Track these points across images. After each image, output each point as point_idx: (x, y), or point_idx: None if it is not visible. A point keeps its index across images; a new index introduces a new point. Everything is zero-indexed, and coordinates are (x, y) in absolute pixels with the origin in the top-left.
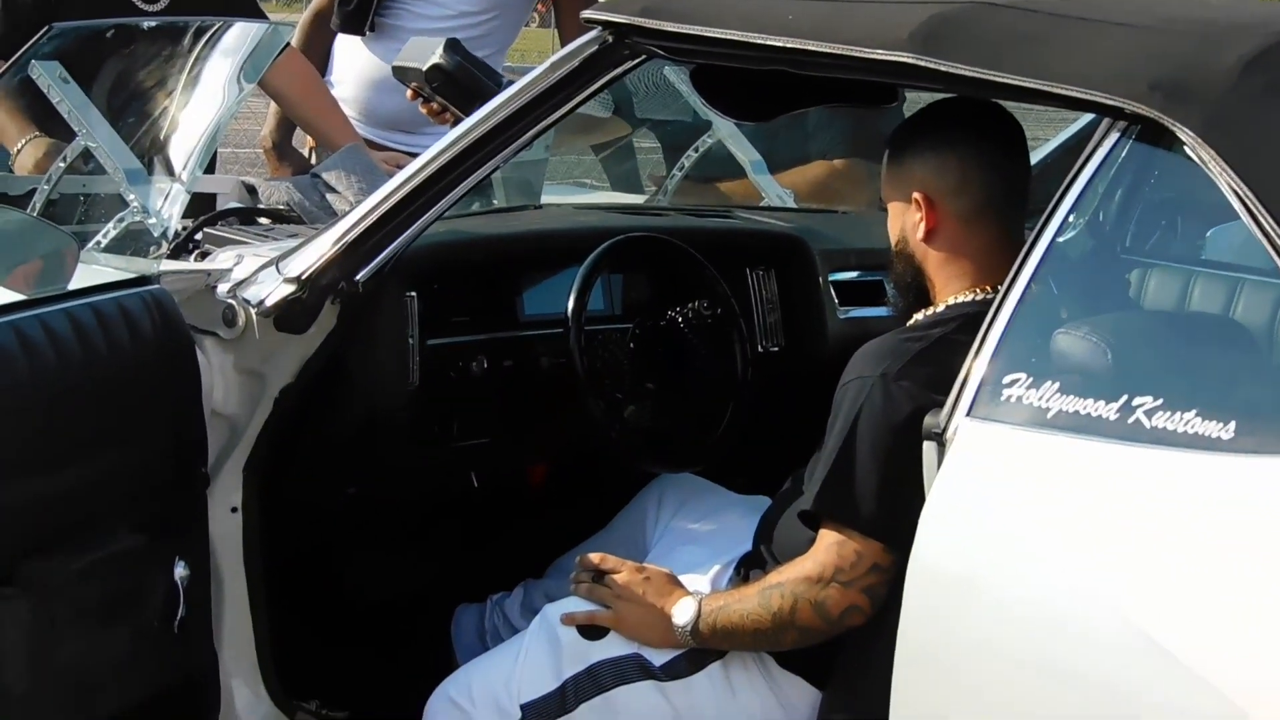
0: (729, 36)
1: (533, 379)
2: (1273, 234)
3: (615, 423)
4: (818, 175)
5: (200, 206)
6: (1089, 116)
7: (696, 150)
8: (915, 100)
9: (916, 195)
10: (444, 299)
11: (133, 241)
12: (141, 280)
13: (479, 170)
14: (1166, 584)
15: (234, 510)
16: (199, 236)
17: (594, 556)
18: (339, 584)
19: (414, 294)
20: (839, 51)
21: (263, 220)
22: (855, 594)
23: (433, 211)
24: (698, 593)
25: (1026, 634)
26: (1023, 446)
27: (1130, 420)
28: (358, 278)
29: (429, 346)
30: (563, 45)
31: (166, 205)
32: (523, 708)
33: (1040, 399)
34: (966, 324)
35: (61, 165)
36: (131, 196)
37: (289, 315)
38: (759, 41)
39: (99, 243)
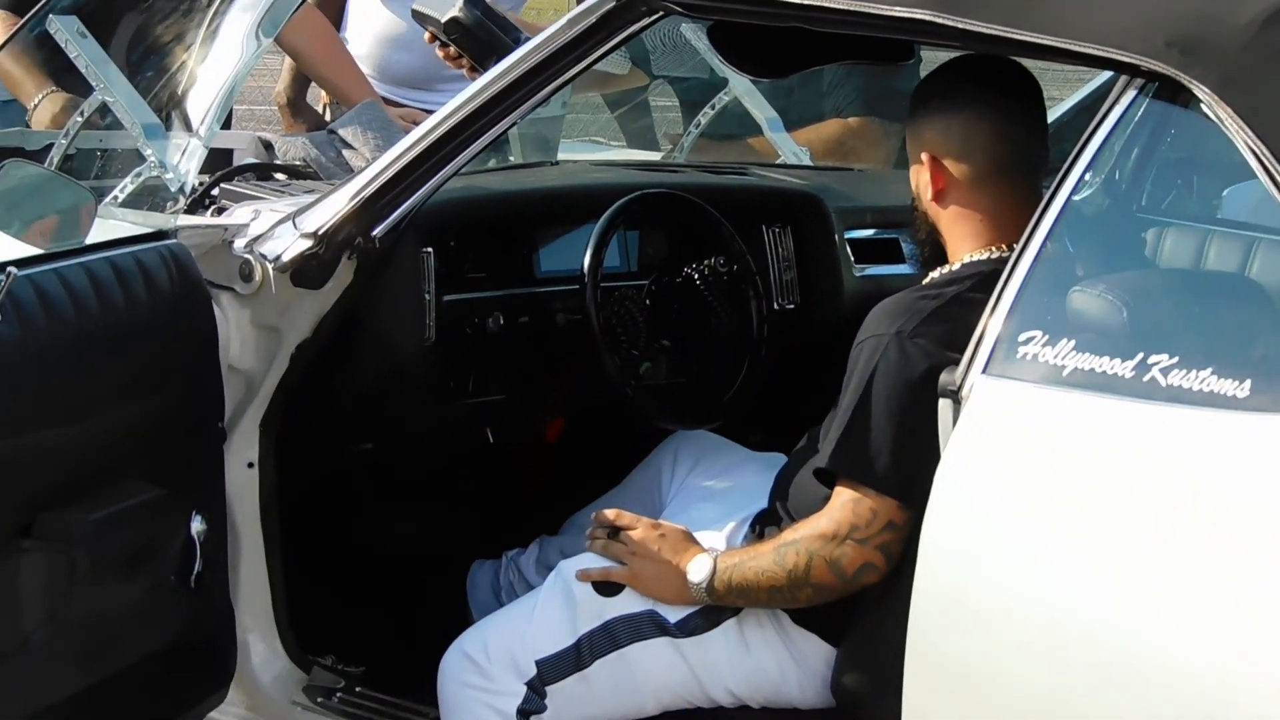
0: None
1: (548, 335)
2: None
3: (630, 379)
4: (834, 133)
5: (217, 162)
6: (1105, 76)
7: (713, 107)
8: (932, 59)
9: (923, 156)
10: (460, 255)
11: (150, 197)
12: (158, 235)
13: (495, 126)
14: (1182, 542)
15: (250, 465)
16: (216, 192)
17: (609, 513)
18: (354, 539)
19: (430, 250)
20: (856, 8)
21: (279, 176)
22: (870, 551)
23: (449, 167)
24: (713, 550)
25: (1041, 591)
26: (1038, 404)
27: (1146, 378)
28: (374, 233)
29: (445, 302)
30: (579, 1)
31: (184, 160)
32: (538, 664)
33: (1056, 356)
34: (982, 282)
35: (79, 120)
36: (149, 151)
37: (305, 270)
38: None
39: (116, 198)
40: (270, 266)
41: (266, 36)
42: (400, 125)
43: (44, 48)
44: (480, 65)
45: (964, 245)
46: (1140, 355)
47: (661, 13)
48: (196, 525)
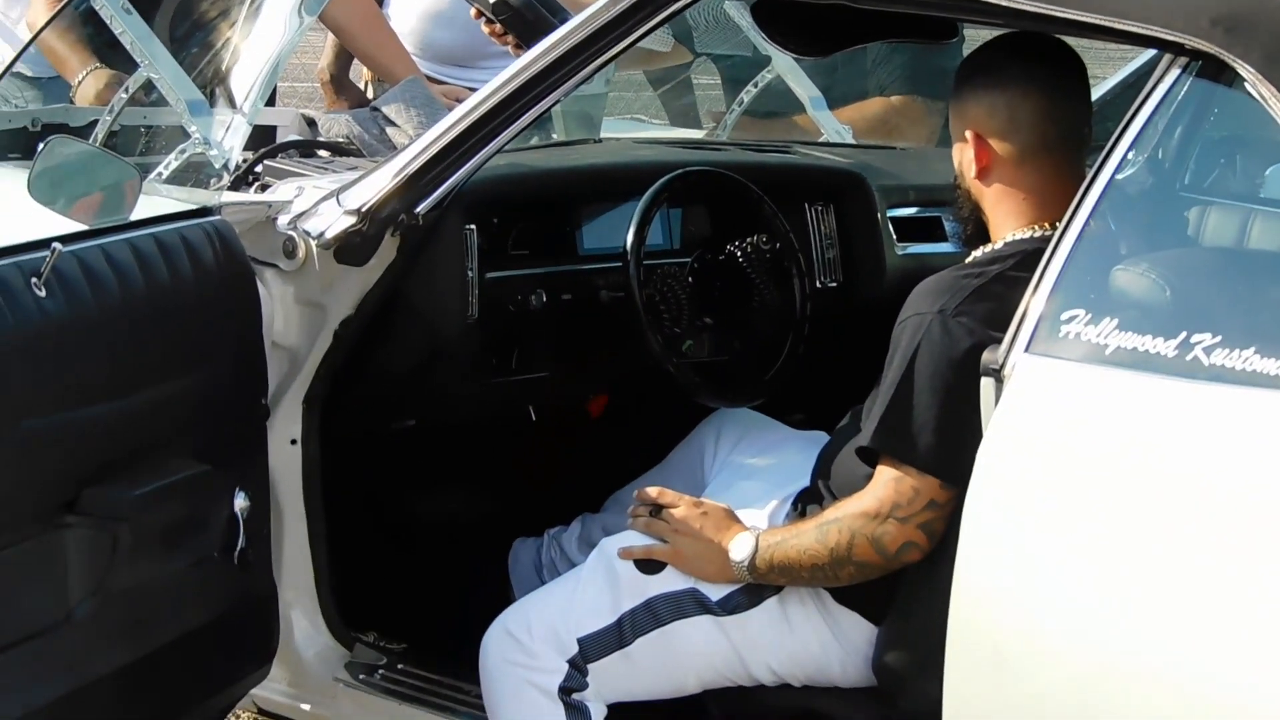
0: None
1: (591, 312)
2: None
3: (673, 357)
4: (876, 111)
5: (260, 139)
6: (1148, 54)
7: (756, 85)
8: (975, 36)
9: (968, 133)
10: (503, 232)
11: (194, 173)
12: (203, 211)
13: (540, 104)
14: (1225, 522)
15: (293, 442)
16: (259, 169)
17: (652, 490)
18: (397, 517)
19: (473, 227)
20: None
21: (322, 153)
22: (912, 530)
23: (493, 145)
24: (755, 528)
25: (1083, 572)
26: (1081, 382)
27: (1189, 357)
28: (418, 210)
29: (488, 279)
30: None
31: (228, 137)
32: (580, 641)
33: (1099, 335)
34: (1025, 260)
35: (124, 96)
36: (193, 128)
37: (349, 247)
38: None
39: (160, 174)
40: (314, 243)
41: (310, 13)
42: (443, 103)
43: (88, 24)
44: (526, 43)
45: (1007, 223)
46: (1183, 334)
47: None
48: (240, 501)
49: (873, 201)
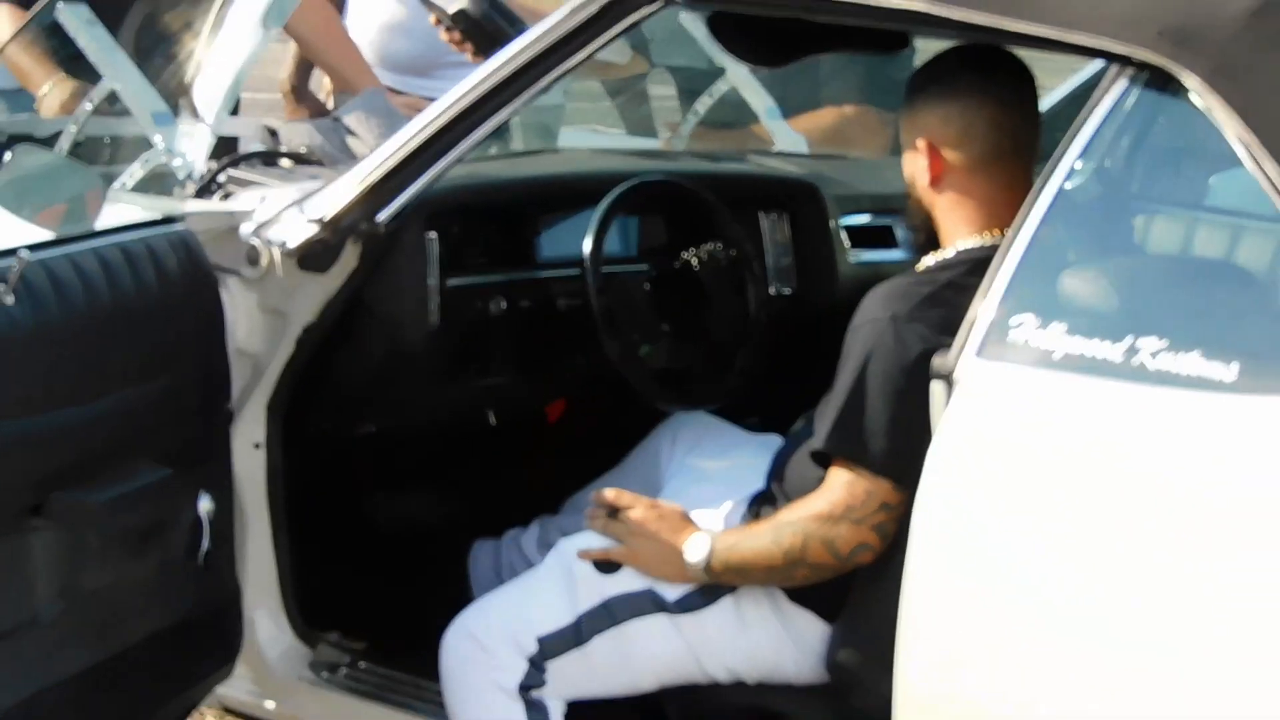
0: None
1: (550, 319)
2: (1276, 180)
3: (630, 362)
4: (830, 121)
5: (223, 149)
6: (1095, 66)
7: (711, 96)
8: (925, 49)
9: (921, 142)
10: (463, 240)
11: (158, 182)
12: (167, 220)
13: (498, 114)
14: (1170, 521)
15: (257, 446)
16: (223, 178)
17: (609, 493)
18: (359, 519)
19: (434, 235)
20: None
21: (284, 163)
22: (865, 531)
23: (453, 154)
24: (710, 530)
25: (1031, 571)
26: (1030, 386)
27: (1135, 361)
28: (379, 219)
29: (448, 287)
30: None
31: (192, 147)
32: (539, 640)
33: (1047, 340)
34: (975, 267)
35: (88, 107)
36: (157, 138)
37: (312, 255)
38: None
39: (125, 183)
40: (277, 251)
41: (273, 25)
42: (403, 113)
43: (52, 36)
44: (483, 52)
45: (957, 231)
46: (1129, 339)
47: (662, 2)
48: (204, 504)
49: (826, 210)
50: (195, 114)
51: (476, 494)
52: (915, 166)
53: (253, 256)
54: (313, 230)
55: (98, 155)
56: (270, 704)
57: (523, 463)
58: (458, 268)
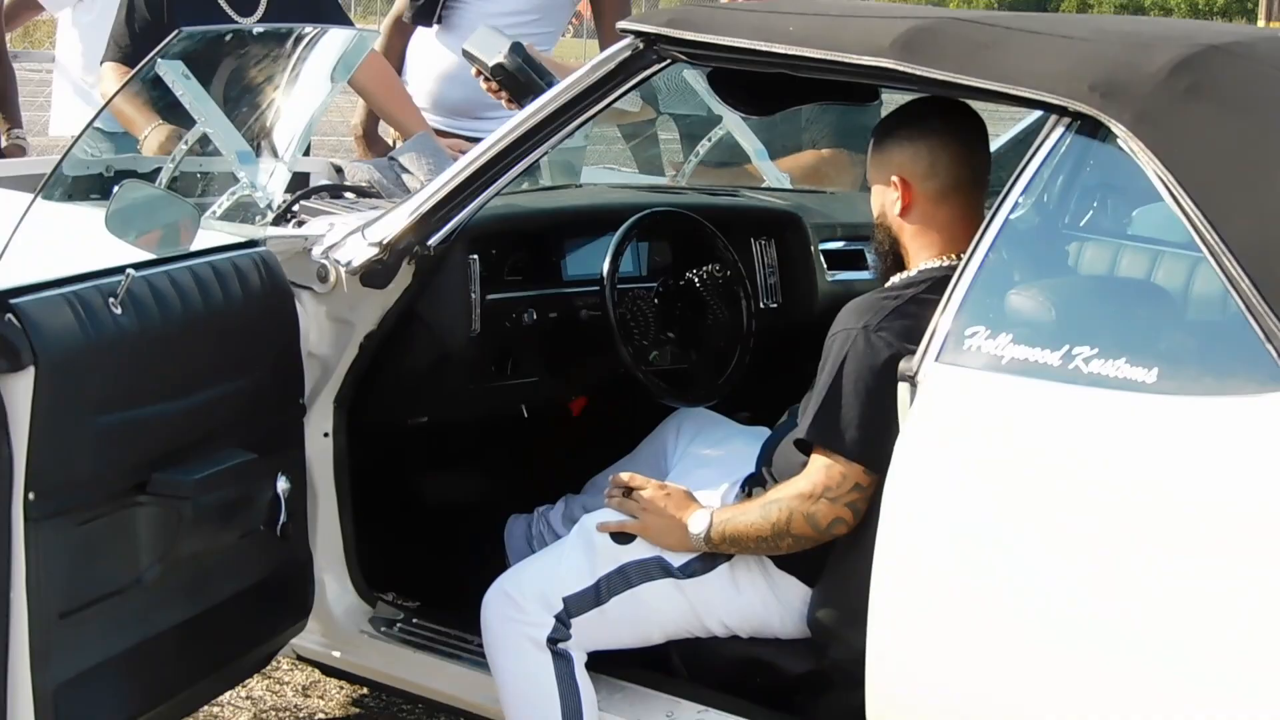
0: (739, 44)
1: (573, 328)
2: (1190, 213)
3: (641, 365)
4: (810, 161)
5: (297, 183)
6: (1035, 115)
7: (710, 140)
8: (891, 100)
9: (894, 177)
10: (500, 261)
11: (243, 211)
12: (250, 243)
13: (531, 154)
14: (1098, 502)
15: (325, 435)
16: (297, 208)
17: (624, 475)
18: (412, 497)
19: (476, 257)
20: (830, 57)
21: (348, 195)
22: (841, 508)
23: (492, 189)
24: (709, 507)
25: (984, 541)
26: (982, 387)
27: (1071, 366)
28: (429, 243)
29: (487, 300)
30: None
31: (271, 182)
32: (565, 600)
33: (997, 347)
34: (935, 285)
35: (183, 148)
36: (242, 174)
37: (372, 274)
38: (764, 48)
39: (215, 212)
40: (343, 270)
41: (340, 79)
42: (449, 153)
43: (153, 88)
44: (518, 101)
45: (921, 255)
46: (1066, 347)
47: (669, 60)
48: (281, 484)
49: (807, 237)
50: (274, 154)
51: (511, 475)
52: (885, 199)
53: (322, 274)
54: (373, 252)
55: (192, 188)
56: (336, 653)
57: (550, 449)
58: (495, 284)
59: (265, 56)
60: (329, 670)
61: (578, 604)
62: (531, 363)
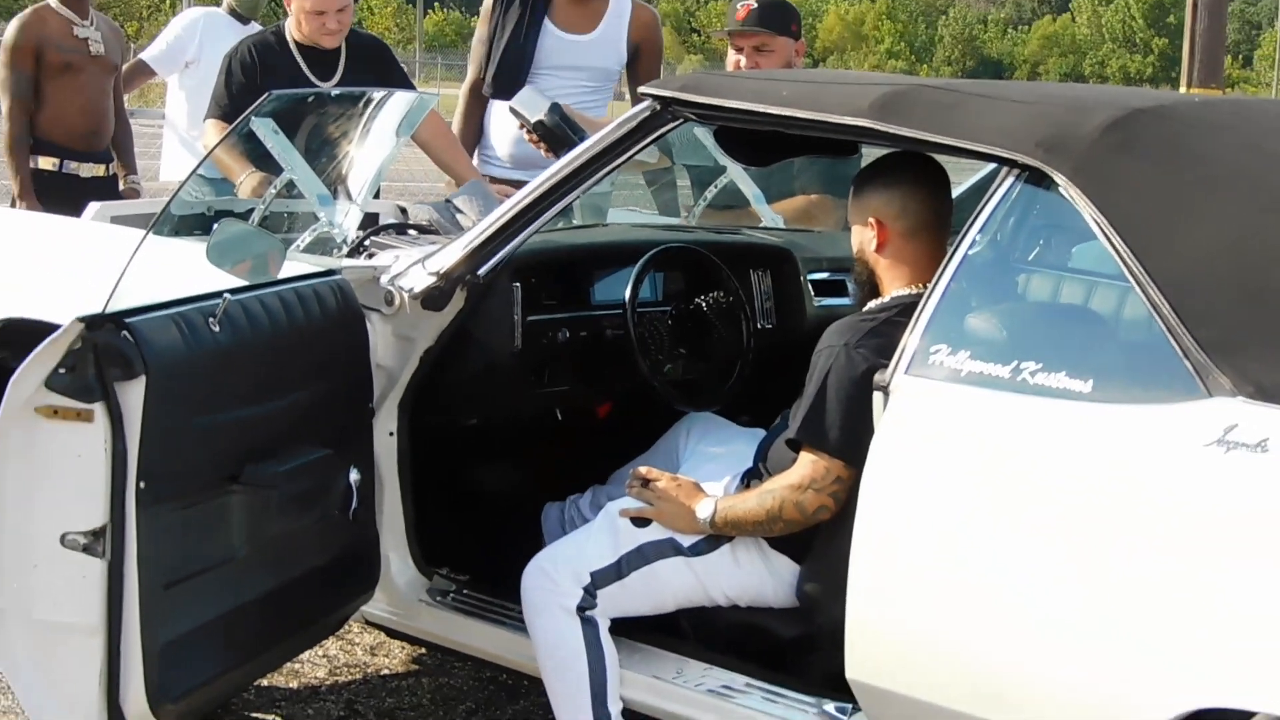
0: (741, 106)
1: (600, 345)
2: (1120, 249)
3: (657, 376)
4: (800, 205)
5: (368, 222)
6: (990, 166)
7: (716, 186)
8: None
9: (871, 219)
10: (539, 288)
11: (321, 245)
12: (328, 272)
13: (566, 198)
14: (1041, 495)
15: (391, 434)
16: (368, 243)
17: (642, 469)
18: (464, 486)
19: (518, 284)
20: (817, 118)
21: (411, 232)
22: (825, 497)
23: (533, 226)
24: (715, 496)
25: (946, 526)
26: (944, 396)
27: (1019, 378)
28: (480, 272)
29: (528, 321)
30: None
31: (346, 220)
32: (592, 574)
33: (957, 362)
34: (905, 309)
35: (272, 192)
36: (321, 214)
37: (431, 298)
38: (762, 110)
39: (298, 246)
40: (406, 295)
41: (405, 134)
42: (497, 197)
43: (248, 141)
44: (555, 152)
45: (894, 284)
46: (1016, 361)
47: (682, 120)
48: (353, 475)
49: (797, 268)
50: (348, 197)
51: (547, 469)
52: (863, 237)
53: (389, 299)
54: (432, 280)
55: (279, 226)
56: (399, 619)
57: (580, 447)
58: (535, 308)
59: (341, 115)
60: (393, 633)
61: (603, 578)
62: (564, 374)
